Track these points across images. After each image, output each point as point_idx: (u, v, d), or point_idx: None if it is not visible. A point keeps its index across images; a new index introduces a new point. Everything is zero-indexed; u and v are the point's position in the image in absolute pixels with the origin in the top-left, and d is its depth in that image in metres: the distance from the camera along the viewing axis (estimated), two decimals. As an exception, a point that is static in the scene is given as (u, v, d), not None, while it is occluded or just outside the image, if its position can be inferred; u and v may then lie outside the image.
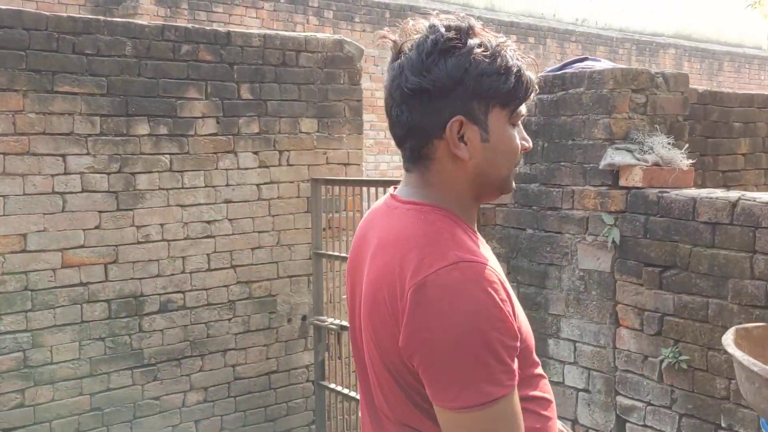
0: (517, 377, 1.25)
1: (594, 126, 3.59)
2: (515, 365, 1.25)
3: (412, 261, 1.26)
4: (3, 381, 4.11)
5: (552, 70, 4.04)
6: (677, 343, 3.29)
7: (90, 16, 5.43)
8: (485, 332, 1.21)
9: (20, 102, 4.13)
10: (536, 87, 1.38)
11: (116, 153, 4.44)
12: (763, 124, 4.90)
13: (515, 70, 1.33)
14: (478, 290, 1.22)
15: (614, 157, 3.45)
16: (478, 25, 1.36)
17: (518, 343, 1.26)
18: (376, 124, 10.39)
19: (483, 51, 1.31)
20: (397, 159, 10.60)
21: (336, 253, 5.07)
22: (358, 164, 5.43)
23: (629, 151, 3.44)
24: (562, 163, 3.76)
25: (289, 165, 5.12)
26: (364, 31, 10.17)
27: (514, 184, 1.41)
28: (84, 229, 4.36)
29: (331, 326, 5.02)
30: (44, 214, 4.22)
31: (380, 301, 1.31)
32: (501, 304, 1.23)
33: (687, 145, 3.59)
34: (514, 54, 1.35)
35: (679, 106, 3.69)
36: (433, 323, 1.22)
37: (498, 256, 4.26)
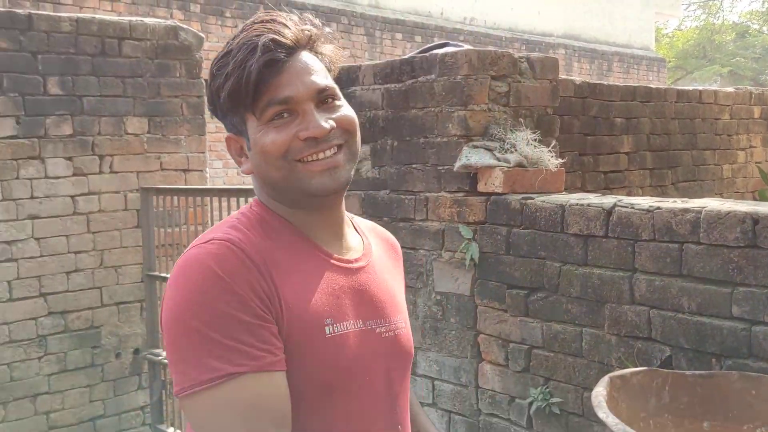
0: (267, 359, 1.12)
1: (448, 120, 2.99)
2: (265, 346, 1.13)
3: None
4: None
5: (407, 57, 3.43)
6: (548, 381, 2.72)
7: None
8: (210, 305, 1.12)
9: None
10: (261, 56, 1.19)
11: None
12: (646, 119, 4.44)
13: (231, 70, 1.21)
14: (202, 267, 1.15)
15: (470, 156, 2.86)
16: (262, 18, 1.25)
17: (268, 323, 1.14)
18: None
19: (217, 67, 1.24)
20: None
21: (171, 275, 4.33)
22: (201, 170, 4.70)
23: (488, 149, 2.85)
24: (414, 166, 3.15)
25: (112, 172, 4.35)
26: (235, 27, 9.37)
27: (325, 186, 1.23)
28: None
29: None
30: None
31: None
32: (229, 278, 1.14)
33: (555, 142, 3.02)
34: (245, 46, 1.21)
35: (547, 96, 3.13)
36: (164, 304, 1.18)
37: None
